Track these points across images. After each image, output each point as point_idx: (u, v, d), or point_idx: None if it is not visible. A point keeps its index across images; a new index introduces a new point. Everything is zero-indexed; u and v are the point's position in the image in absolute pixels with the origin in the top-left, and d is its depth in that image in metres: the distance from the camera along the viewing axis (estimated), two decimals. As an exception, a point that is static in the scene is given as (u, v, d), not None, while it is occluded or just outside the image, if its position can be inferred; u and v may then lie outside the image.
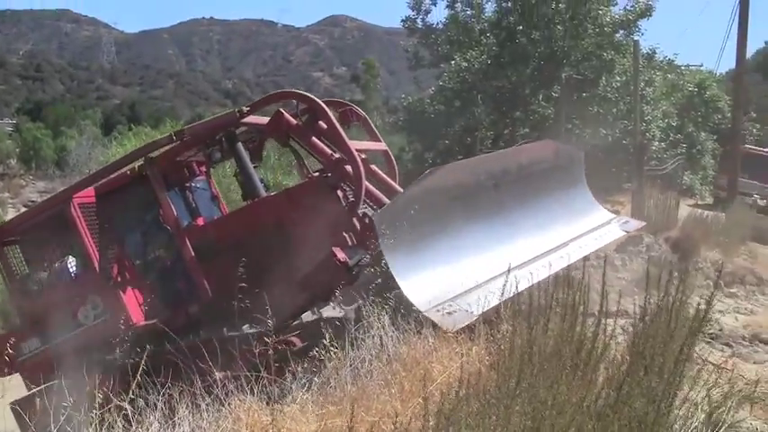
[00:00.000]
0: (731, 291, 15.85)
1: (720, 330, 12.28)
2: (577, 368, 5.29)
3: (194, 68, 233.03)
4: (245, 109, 11.61)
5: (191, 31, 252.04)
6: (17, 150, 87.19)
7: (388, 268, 9.09)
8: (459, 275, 9.50)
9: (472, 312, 8.41)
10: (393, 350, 8.09)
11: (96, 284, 11.66)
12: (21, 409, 11.13)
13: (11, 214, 47.14)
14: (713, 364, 7.13)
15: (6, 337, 11.99)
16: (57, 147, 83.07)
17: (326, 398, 7.28)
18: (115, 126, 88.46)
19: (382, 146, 13.48)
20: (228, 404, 7.70)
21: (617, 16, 35.69)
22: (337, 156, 11.24)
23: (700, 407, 5.78)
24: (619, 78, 35.30)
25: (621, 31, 36.25)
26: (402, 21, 40.98)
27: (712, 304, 6.22)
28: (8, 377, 12.21)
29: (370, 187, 11.51)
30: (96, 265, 11.70)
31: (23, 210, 53.47)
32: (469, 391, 4.87)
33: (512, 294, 7.68)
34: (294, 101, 11.79)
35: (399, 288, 8.88)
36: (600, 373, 5.40)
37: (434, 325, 8.48)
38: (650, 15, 35.79)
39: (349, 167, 10.93)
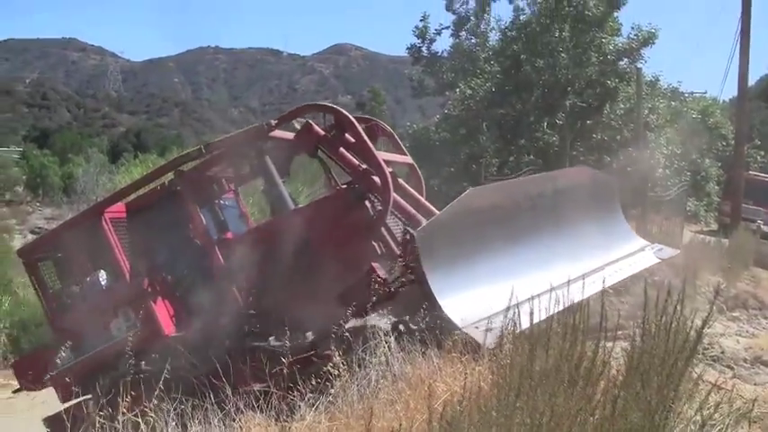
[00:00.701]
0: (734, 315, 15.97)
1: (722, 353, 12.39)
2: (576, 383, 5.45)
3: (200, 97, 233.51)
4: (273, 122, 11.74)
5: (197, 60, 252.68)
6: (24, 178, 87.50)
7: (428, 285, 9.18)
8: (496, 295, 9.61)
9: (512, 329, 8.51)
10: (398, 370, 8.24)
11: (128, 297, 11.80)
12: (53, 424, 11.36)
13: (17, 241, 47.37)
14: (712, 384, 7.26)
15: (39, 352, 12.05)
16: (64, 174, 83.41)
17: (334, 415, 7.41)
18: (122, 153, 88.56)
19: (408, 159, 13.57)
20: (239, 420, 7.85)
21: (620, 44, 35.85)
22: (364, 167, 11.34)
23: (696, 424, 5.91)
24: (623, 106, 35.41)
25: (625, 59, 36.38)
26: (407, 49, 41.20)
27: (709, 323, 6.36)
28: (37, 392, 12.48)
29: (398, 199, 11.64)
30: (127, 277, 11.86)
31: (30, 236, 53.78)
32: (471, 404, 5.05)
33: (549, 315, 7.81)
34: (322, 114, 11.96)
35: (438, 305, 8.97)
36: (598, 388, 5.54)
37: (439, 345, 8.62)
38: (653, 43, 35.94)
39: (376, 178, 11.04)
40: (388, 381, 7.99)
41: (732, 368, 11.65)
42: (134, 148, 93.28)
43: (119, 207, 12.53)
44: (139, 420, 7.99)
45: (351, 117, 11.53)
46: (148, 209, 12.38)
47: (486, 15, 40.29)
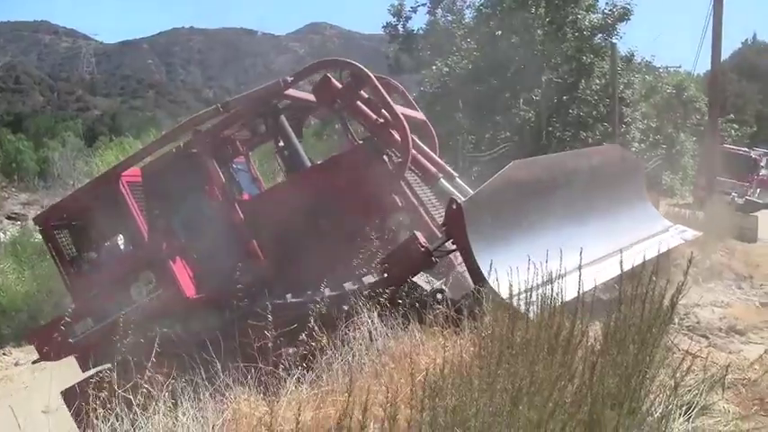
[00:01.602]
0: (709, 285, 16.17)
1: (698, 323, 12.58)
2: (555, 351, 5.61)
3: (175, 78, 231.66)
4: (289, 79, 11.75)
5: (171, 41, 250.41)
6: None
7: (472, 256, 9.34)
8: (535, 269, 9.72)
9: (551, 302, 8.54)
10: (382, 345, 8.38)
11: (148, 260, 11.79)
12: (71, 396, 11.24)
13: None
14: (688, 353, 7.42)
15: (58, 320, 11.93)
16: (39, 158, 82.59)
17: (320, 389, 7.54)
18: (97, 137, 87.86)
19: (420, 115, 13.69)
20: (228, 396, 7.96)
21: (595, 20, 35.92)
22: (382, 120, 11.39)
23: (671, 390, 6.08)
24: (598, 81, 35.52)
25: (600, 35, 36.47)
26: (383, 27, 41.10)
27: (685, 293, 6.54)
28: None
29: (416, 154, 11.71)
30: (147, 241, 11.83)
31: (6, 222, 53.48)
32: (453, 371, 5.21)
33: (585, 291, 7.91)
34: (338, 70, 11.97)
35: (482, 276, 8.96)
36: (577, 356, 5.70)
37: (421, 320, 8.76)
38: (628, 19, 36.03)
39: (395, 132, 11.15)
40: (372, 355, 8.13)
41: (707, 337, 11.83)
42: (109, 131, 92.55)
43: (134, 171, 12.43)
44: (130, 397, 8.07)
45: (368, 71, 11.57)
46: (164, 172, 12.23)
47: (459, -7, 40.29)
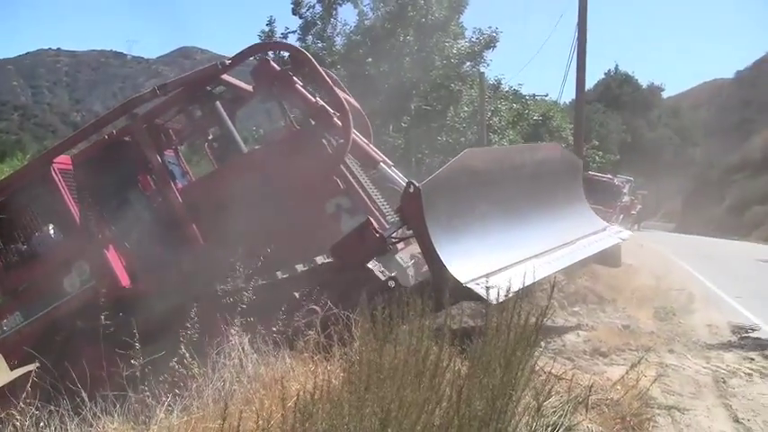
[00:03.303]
0: (574, 309, 16.50)
1: (563, 346, 12.82)
2: (423, 375, 5.71)
3: (41, 101, 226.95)
4: (227, 61, 11.59)
5: (37, 62, 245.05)
6: None
7: (430, 240, 9.14)
8: (488, 256, 9.65)
9: (510, 289, 8.48)
10: (252, 371, 8.36)
11: (82, 249, 11.40)
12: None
13: None
14: (554, 375, 7.60)
15: None
16: None
17: (190, 416, 7.48)
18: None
19: (356, 103, 13.35)
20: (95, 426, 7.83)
21: (463, 48, 36.47)
22: (321, 103, 11.29)
23: (538, 411, 6.24)
24: (466, 108, 36.10)
25: (468, 63, 37.05)
26: (254, 52, 40.81)
27: (552, 318, 6.74)
28: None
29: (357, 139, 11.55)
30: (81, 229, 11.41)
31: None
32: (323, 396, 5.26)
33: (534, 280, 7.87)
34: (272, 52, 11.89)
35: (440, 261, 8.93)
36: (444, 380, 5.80)
37: (291, 346, 8.76)
38: (494, 46, 36.71)
39: (336, 114, 11.13)
40: (242, 382, 8.10)
41: (573, 360, 12.05)
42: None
43: (65, 159, 12.01)
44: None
45: (308, 54, 11.51)
46: (98, 159, 11.86)
47: (332, 20, 40.47)
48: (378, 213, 11.30)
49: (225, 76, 12.00)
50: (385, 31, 35.59)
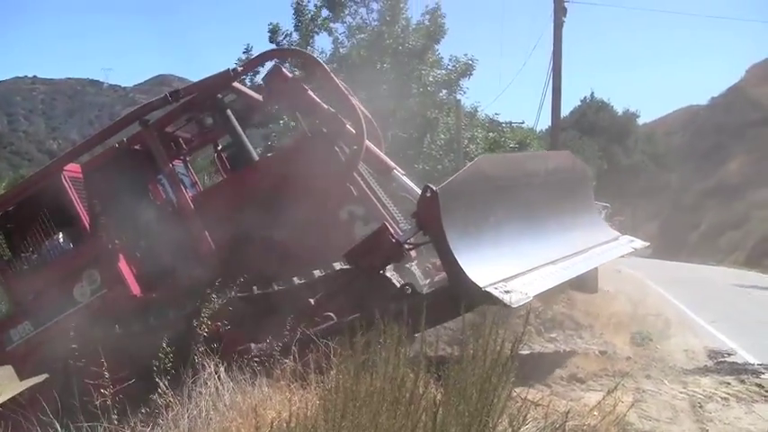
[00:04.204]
0: (551, 336, 16.54)
1: (540, 372, 12.84)
2: (399, 403, 5.69)
3: (17, 128, 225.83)
4: (238, 68, 11.64)
5: (13, 90, 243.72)
6: None
7: (447, 245, 9.00)
8: (504, 261, 9.59)
9: (527, 294, 8.42)
10: (229, 399, 8.31)
11: (93, 257, 11.31)
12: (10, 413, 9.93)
13: None
14: (530, 401, 7.60)
15: None
16: None
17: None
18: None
19: (367, 112, 13.25)
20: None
21: (440, 76, 36.52)
22: (333, 110, 11.35)
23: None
24: (443, 136, 36.07)
25: (444, 91, 37.08)
26: (231, 81, 40.73)
27: (529, 344, 6.75)
28: None
29: (369, 144, 11.50)
30: (92, 237, 11.35)
31: None
32: (299, 424, 5.24)
33: (551, 286, 7.83)
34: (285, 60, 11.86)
35: (458, 265, 8.85)
36: (420, 407, 5.79)
37: (268, 374, 8.72)
38: (471, 75, 36.78)
39: (349, 121, 11.21)
40: (219, 411, 8.05)
41: (550, 386, 12.08)
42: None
43: (74, 167, 11.95)
44: None
45: (320, 60, 11.54)
46: (107, 167, 11.78)
47: (309, 47, 40.49)
48: (391, 220, 11.23)
49: (235, 84, 11.95)
50: (361, 59, 35.61)
